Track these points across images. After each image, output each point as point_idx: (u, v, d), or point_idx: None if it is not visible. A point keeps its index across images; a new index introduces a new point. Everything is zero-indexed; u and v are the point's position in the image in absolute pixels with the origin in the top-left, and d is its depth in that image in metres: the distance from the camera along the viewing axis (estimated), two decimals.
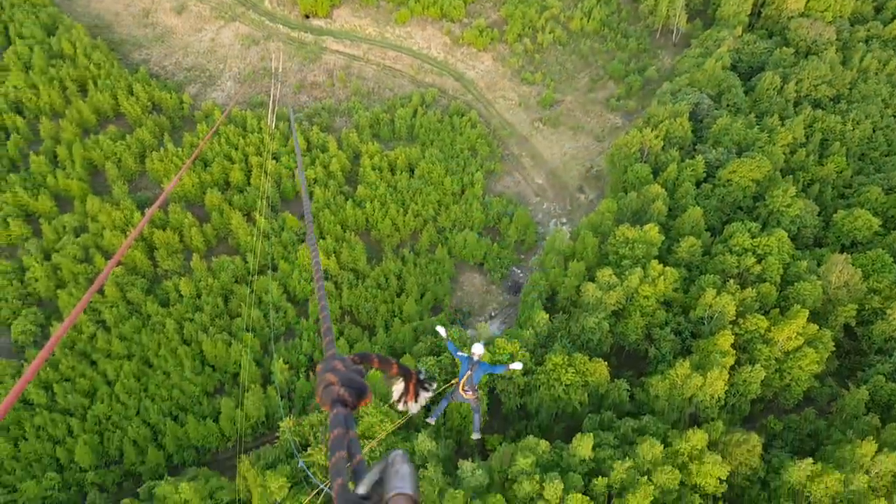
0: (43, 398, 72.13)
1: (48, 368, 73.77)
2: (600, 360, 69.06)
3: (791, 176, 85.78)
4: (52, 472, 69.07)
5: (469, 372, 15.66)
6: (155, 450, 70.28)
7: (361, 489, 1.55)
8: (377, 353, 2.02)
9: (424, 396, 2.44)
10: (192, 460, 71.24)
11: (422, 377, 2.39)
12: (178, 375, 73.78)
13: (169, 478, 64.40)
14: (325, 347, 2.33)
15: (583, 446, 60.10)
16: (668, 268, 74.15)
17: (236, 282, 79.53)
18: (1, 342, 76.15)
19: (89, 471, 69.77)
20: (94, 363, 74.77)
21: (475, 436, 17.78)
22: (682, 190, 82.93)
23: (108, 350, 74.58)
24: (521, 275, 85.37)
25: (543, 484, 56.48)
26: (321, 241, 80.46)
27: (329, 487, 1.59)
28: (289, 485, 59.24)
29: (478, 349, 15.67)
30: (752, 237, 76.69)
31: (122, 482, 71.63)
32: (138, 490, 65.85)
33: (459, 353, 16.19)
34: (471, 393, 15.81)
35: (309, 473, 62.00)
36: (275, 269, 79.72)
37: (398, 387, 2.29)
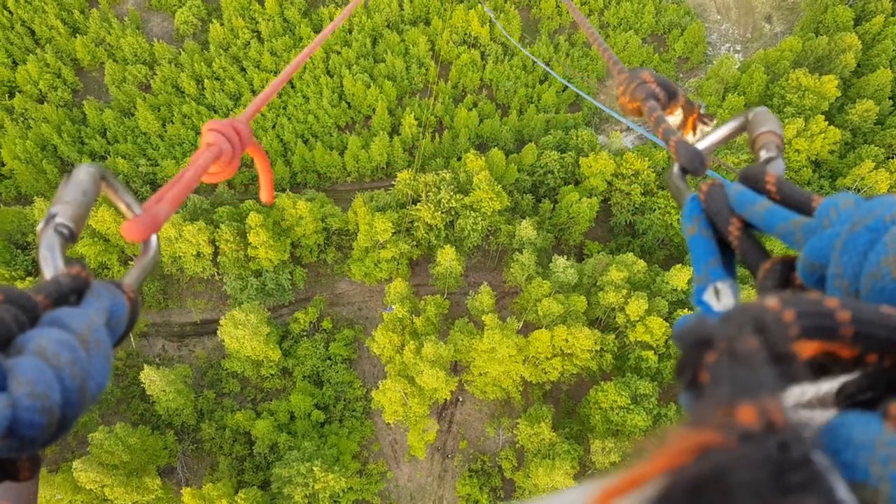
0: (193, 90, 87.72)
1: (202, 63, 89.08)
2: None
3: None
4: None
5: None
6: (283, 164, 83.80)
7: (703, 144, 1.71)
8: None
9: (702, 131, 2.52)
10: (313, 183, 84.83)
11: (702, 111, 2.50)
12: (316, 103, 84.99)
13: (290, 192, 77.07)
14: (610, 65, 2.59)
15: (679, 277, 67.43)
16: (832, 127, 76.00)
17: (388, 26, 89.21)
18: (165, 27, 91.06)
19: None
20: (243, 69, 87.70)
21: None
22: (880, 48, 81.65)
23: (259, 61, 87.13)
24: None
25: (629, 299, 64.84)
26: (479, 5, 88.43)
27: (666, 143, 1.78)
28: (393, 230, 71.09)
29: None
30: None
31: (249, 185, 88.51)
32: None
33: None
34: None
35: None
36: (427, 23, 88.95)
37: (674, 118, 2.36)
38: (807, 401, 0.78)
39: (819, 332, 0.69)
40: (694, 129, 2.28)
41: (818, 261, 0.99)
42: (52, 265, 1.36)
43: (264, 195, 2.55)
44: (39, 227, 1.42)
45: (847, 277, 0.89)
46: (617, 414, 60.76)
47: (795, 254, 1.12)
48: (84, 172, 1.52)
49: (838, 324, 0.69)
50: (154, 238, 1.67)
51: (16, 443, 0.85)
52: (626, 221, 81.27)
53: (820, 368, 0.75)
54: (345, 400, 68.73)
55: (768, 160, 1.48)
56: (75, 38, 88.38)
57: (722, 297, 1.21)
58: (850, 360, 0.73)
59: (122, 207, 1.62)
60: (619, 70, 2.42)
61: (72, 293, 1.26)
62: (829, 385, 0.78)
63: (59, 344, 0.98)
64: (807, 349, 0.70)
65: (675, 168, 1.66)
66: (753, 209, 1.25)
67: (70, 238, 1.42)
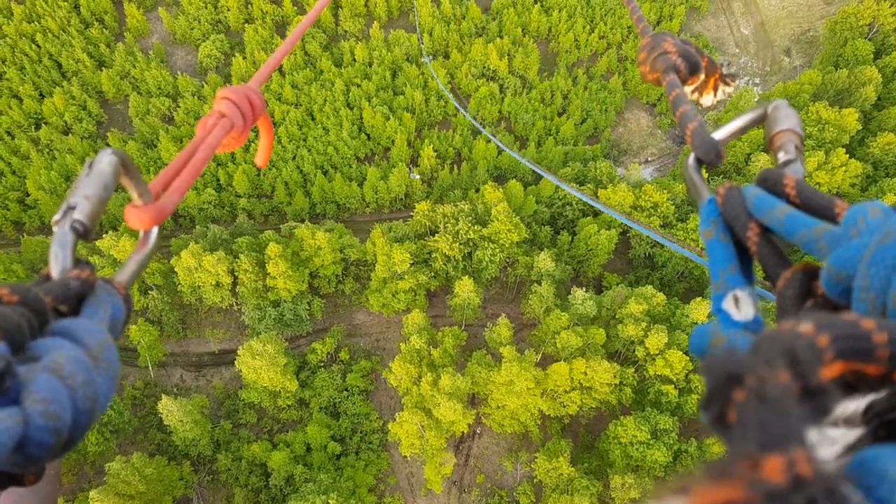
0: None
1: None
2: None
3: None
4: (213, 188, 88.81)
5: None
6: (302, 195, 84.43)
7: (719, 134, 1.64)
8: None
9: (724, 91, 2.53)
10: (331, 213, 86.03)
11: (724, 70, 2.48)
12: (336, 135, 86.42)
13: (309, 223, 78.08)
14: (641, 31, 2.49)
15: (700, 310, 67.24)
16: (853, 160, 76.77)
17: (407, 60, 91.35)
18: (188, 60, 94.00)
19: (243, 197, 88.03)
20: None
21: None
22: None
23: (280, 94, 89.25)
24: None
25: (648, 332, 65.13)
26: (498, 39, 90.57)
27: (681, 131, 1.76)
28: (411, 261, 72.10)
29: None
30: None
31: (269, 216, 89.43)
32: (280, 226, 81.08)
33: None
34: None
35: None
36: (447, 56, 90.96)
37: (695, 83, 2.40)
38: (833, 420, 0.76)
39: (854, 354, 0.70)
40: (715, 90, 2.29)
41: (844, 271, 0.98)
42: (61, 263, 1.39)
43: (260, 159, 2.59)
44: (56, 217, 1.45)
45: (874, 291, 0.88)
46: (637, 449, 60.50)
47: (818, 262, 1.11)
48: (107, 163, 1.55)
49: (874, 346, 0.70)
50: (155, 229, 1.71)
51: (21, 459, 0.87)
52: (645, 254, 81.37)
53: (846, 387, 0.75)
54: (361, 432, 69.00)
55: (787, 163, 1.49)
56: (101, 71, 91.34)
57: (742, 306, 1.21)
58: (876, 379, 0.74)
59: (134, 194, 1.66)
60: (642, 31, 2.47)
61: (77, 297, 1.31)
62: (856, 404, 0.78)
63: (75, 363, 0.99)
64: (832, 369, 0.70)
65: (691, 159, 1.67)
66: (773, 214, 1.24)
67: (83, 235, 1.47)
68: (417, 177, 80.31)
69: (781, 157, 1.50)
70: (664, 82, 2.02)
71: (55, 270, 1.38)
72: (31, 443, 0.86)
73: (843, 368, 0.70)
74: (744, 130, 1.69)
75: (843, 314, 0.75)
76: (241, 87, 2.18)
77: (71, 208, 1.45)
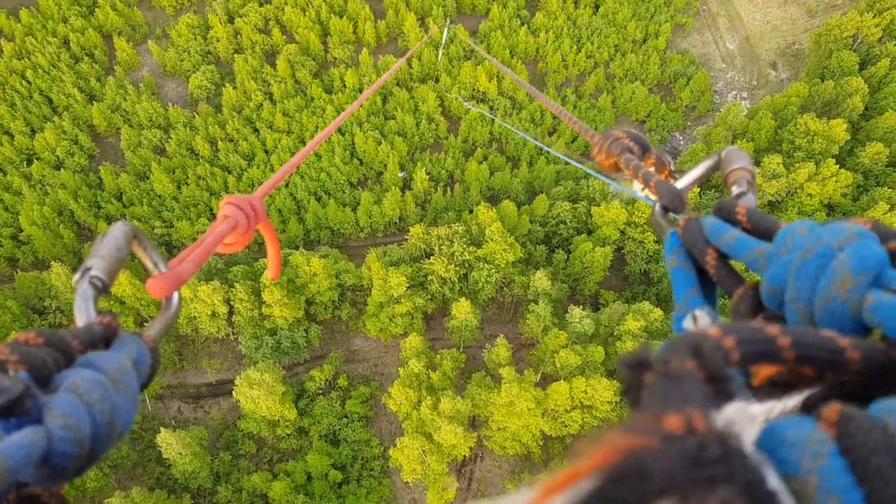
0: (207, 152, 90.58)
1: (216, 126, 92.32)
2: None
3: None
4: (206, 218, 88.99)
5: None
6: (296, 222, 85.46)
7: (681, 182, 1.85)
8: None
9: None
10: (326, 239, 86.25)
11: (672, 168, 2.56)
12: (328, 161, 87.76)
13: (303, 250, 78.48)
14: (582, 132, 2.88)
15: None
16: (843, 170, 77.30)
17: (397, 84, 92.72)
18: (179, 91, 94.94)
19: None
20: (256, 130, 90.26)
21: None
22: (887, 91, 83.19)
23: (272, 122, 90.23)
24: (682, 142, 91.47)
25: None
26: (486, 62, 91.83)
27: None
28: (407, 284, 72.22)
29: None
30: None
31: (263, 244, 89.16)
32: None
33: None
34: None
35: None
36: (436, 80, 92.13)
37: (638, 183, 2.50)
38: (775, 416, 0.82)
39: (761, 356, 0.76)
40: None
41: (777, 286, 1.07)
42: (85, 314, 1.51)
43: (270, 272, 2.79)
44: (76, 278, 1.60)
45: (802, 301, 0.96)
46: None
47: None
48: (119, 230, 1.72)
49: (780, 348, 0.76)
50: (176, 295, 1.84)
51: (48, 472, 0.92)
52: (640, 270, 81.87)
53: (786, 385, 0.84)
54: (362, 459, 68.77)
55: (740, 195, 1.64)
56: (92, 105, 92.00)
57: (699, 323, 1.30)
58: (813, 377, 0.82)
59: (149, 265, 1.79)
60: (591, 135, 2.69)
61: (102, 340, 1.40)
62: (795, 400, 0.84)
63: (91, 382, 1.08)
64: (766, 370, 0.80)
65: (657, 207, 1.84)
66: (724, 239, 1.36)
67: (103, 290, 1.60)
68: (403, 174, 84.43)
69: (735, 190, 1.69)
70: (621, 161, 2.23)
71: (80, 321, 1.50)
72: (55, 454, 0.92)
73: (777, 369, 0.79)
74: (703, 177, 1.92)
75: (749, 321, 0.86)
76: (243, 196, 2.47)
77: (88, 269, 1.61)
